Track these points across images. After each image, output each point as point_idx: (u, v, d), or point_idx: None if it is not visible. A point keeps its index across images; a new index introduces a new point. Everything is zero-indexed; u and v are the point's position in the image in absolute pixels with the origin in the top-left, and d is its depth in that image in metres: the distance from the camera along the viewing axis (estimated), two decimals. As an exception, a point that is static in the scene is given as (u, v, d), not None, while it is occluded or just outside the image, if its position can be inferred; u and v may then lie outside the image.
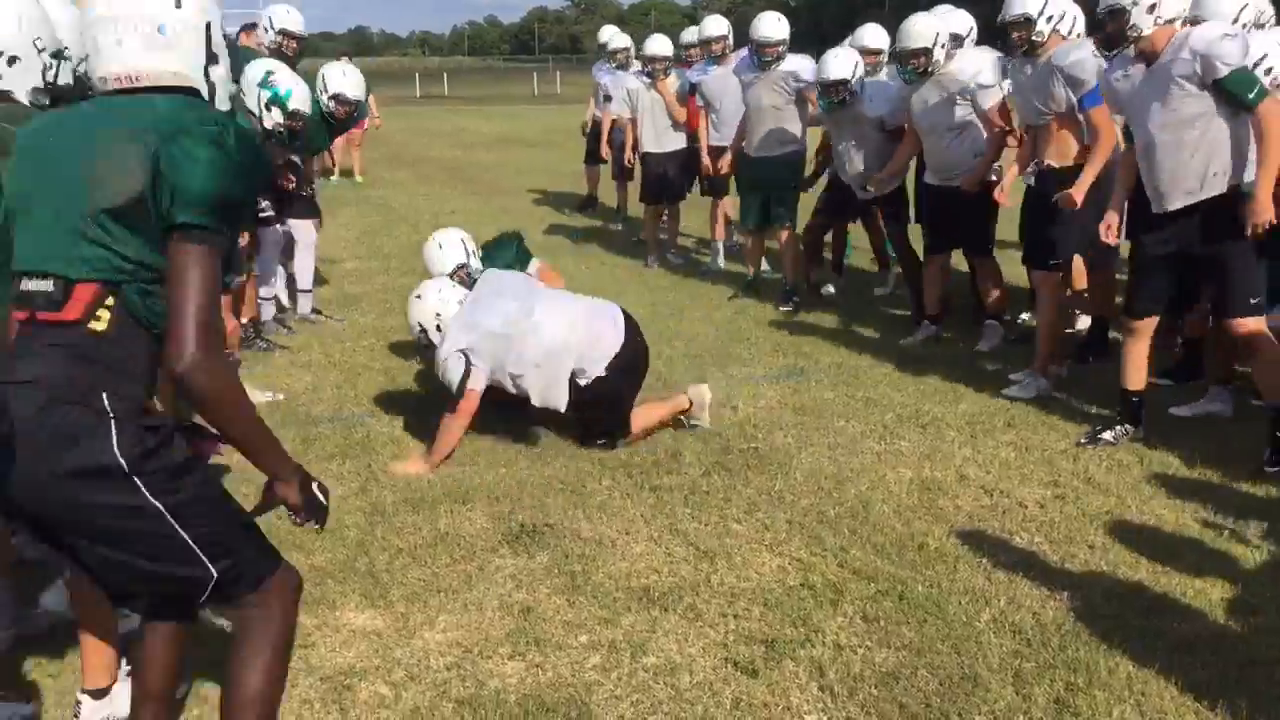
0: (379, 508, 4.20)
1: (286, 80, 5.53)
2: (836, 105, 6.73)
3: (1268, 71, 4.48)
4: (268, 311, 6.76)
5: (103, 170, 2.00)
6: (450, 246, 5.48)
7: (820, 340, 6.59)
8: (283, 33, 6.90)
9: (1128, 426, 4.74)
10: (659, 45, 8.84)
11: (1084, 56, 5.10)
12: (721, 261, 8.97)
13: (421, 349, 5.01)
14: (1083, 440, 4.74)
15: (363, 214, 12.09)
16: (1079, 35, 5.51)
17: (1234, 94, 4.18)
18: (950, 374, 5.78)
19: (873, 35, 7.22)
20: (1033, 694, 2.90)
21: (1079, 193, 5.09)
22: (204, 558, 2.09)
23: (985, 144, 6.07)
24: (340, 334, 6.83)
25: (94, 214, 1.99)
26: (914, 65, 6.06)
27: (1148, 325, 4.66)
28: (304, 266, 7.06)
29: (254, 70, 5.50)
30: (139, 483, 1.99)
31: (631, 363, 4.76)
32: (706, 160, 8.36)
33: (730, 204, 8.68)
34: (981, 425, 5.01)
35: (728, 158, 7.92)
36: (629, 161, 9.54)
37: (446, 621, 3.35)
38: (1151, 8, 4.25)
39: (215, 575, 2.11)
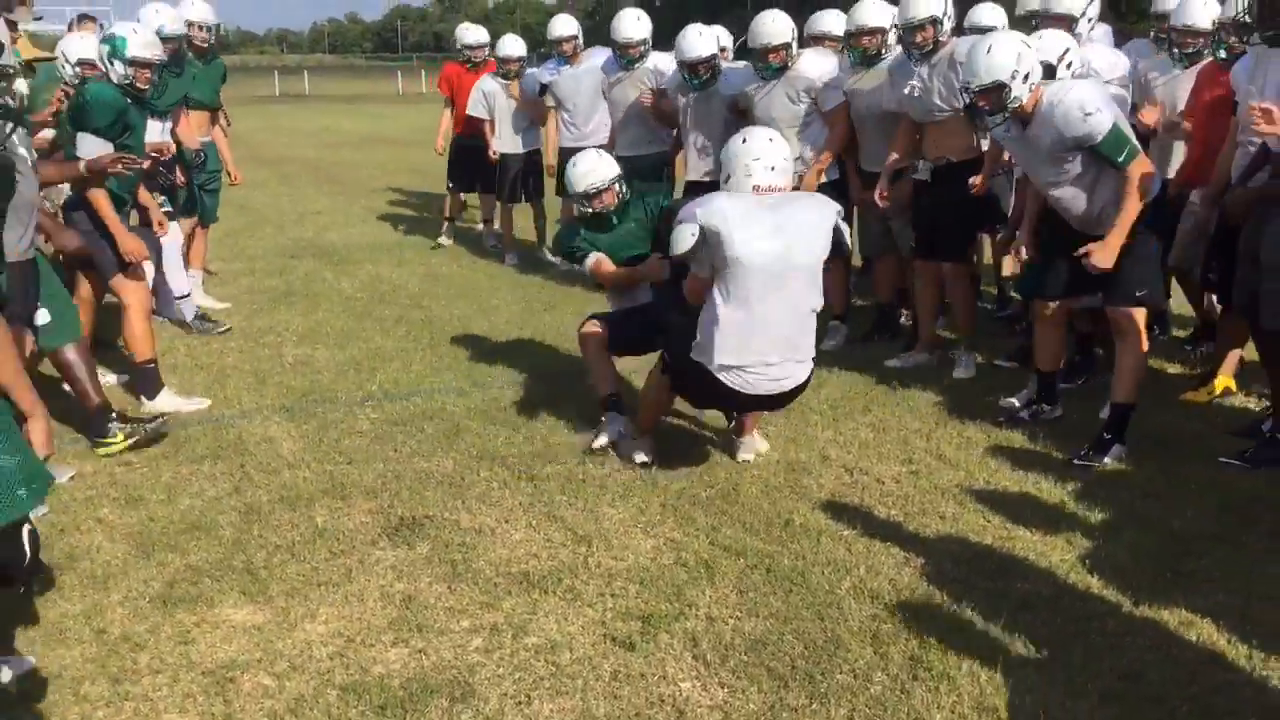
0: (254, 507, 4.20)
1: (123, 28, 5.37)
2: (700, 85, 6.61)
3: (1069, 65, 4.71)
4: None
5: None
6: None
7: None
8: (190, 23, 6.91)
9: (1044, 406, 5.03)
10: (512, 46, 8.84)
11: None
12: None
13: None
14: (1001, 419, 5.01)
15: (224, 216, 11.72)
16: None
17: (1106, 157, 4.34)
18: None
19: (832, 22, 6.99)
20: (889, 653, 3.11)
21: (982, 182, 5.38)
22: None
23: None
24: (207, 336, 6.72)
25: None
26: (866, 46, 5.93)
27: (1057, 309, 4.86)
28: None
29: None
30: None
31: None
32: (551, 161, 8.38)
33: None
34: (842, 409, 5.25)
35: None
36: (491, 163, 9.19)
37: (328, 613, 3.40)
38: (1026, 77, 4.37)
39: None
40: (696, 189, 6.97)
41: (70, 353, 4.69)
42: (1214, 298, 5.66)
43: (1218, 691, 2.92)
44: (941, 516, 4.06)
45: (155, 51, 5.50)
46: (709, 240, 4.04)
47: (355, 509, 4.18)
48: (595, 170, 5.02)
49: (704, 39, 6.62)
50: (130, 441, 4.73)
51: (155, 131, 6.16)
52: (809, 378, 4.34)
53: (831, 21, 7.15)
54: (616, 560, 3.73)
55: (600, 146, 7.75)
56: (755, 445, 4.67)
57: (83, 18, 8.81)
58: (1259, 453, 4.45)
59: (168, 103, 6.43)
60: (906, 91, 5.67)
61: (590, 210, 5.01)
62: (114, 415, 4.78)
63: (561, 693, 2.97)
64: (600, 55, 8.36)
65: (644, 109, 7.28)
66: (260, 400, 5.52)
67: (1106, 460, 4.50)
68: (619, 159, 7.38)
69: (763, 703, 2.91)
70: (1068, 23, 5.46)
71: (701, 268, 4.16)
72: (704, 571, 3.63)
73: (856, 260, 6.87)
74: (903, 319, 6.61)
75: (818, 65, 6.24)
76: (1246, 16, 4.60)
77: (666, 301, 4.77)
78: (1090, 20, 5.62)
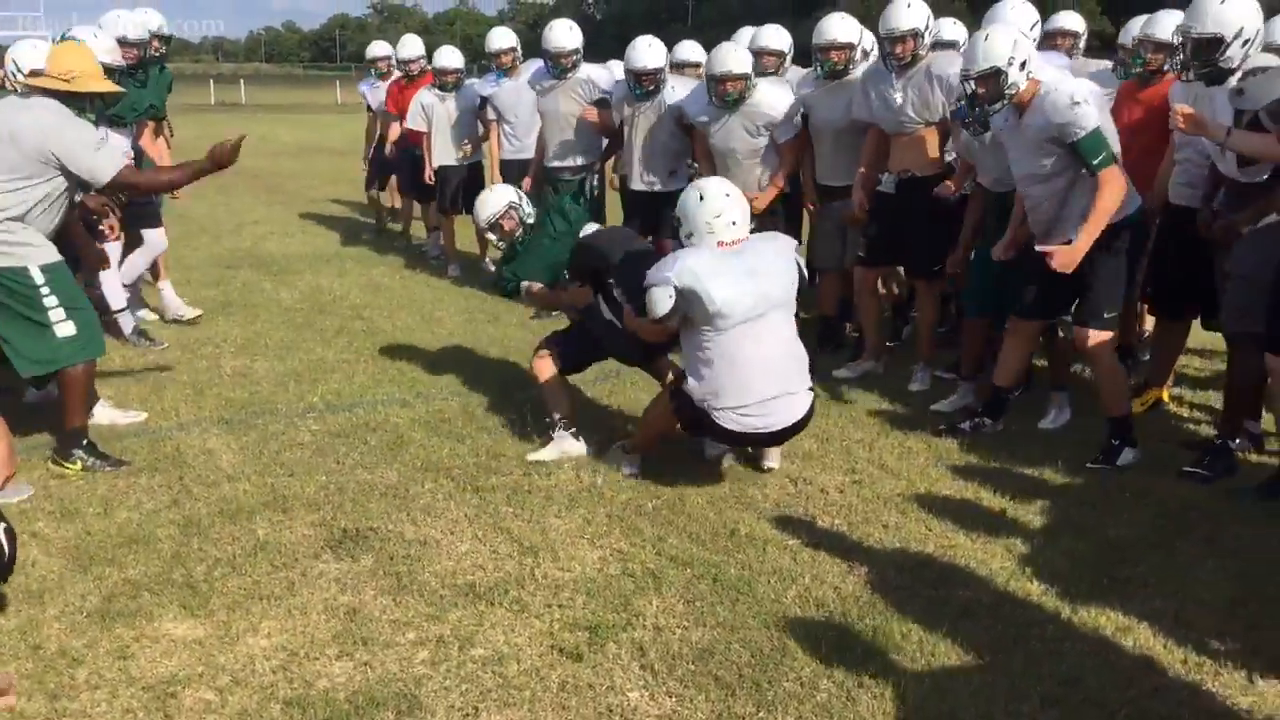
0: (193, 520, 4.13)
1: (82, 32, 5.30)
2: (645, 95, 6.70)
3: (1023, 66, 4.61)
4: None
5: None
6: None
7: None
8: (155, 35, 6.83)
9: (985, 420, 5.10)
10: (449, 58, 8.79)
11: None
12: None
13: None
14: (942, 427, 5.10)
15: (160, 224, 11.60)
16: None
17: (1083, 156, 4.42)
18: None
19: (771, 36, 7.02)
20: (835, 661, 3.14)
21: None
22: None
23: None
24: (138, 347, 6.60)
25: None
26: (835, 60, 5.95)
27: (1028, 326, 4.93)
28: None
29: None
30: None
31: None
32: (496, 175, 8.40)
33: None
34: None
35: (529, 179, 7.75)
36: (429, 178, 9.10)
37: (270, 627, 3.35)
38: (1023, 65, 4.47)
39: None
40: (638, 199, 7.02)
41: (81, 370, 4.57)
42: (1145, 309, 5.81)
43: (1154, 695, 2.99)
44: (884, 525, 4.11)
45: (115, 58, 5.41)
46: (686, 299, 4.14)
47: (297, 521, 4.13)
48: (486, 204, 5.38)
49: (653, 50, 6.72)
50: (84, 472, 4.60)
51: (119, 142, 6.03)
52: (811, 408, 4.40)
53: (690, 50, 7.29)
54: (563, 571, 3.72)
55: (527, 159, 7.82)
56: (775, 452, 4.69)
57: None
58: (1213, 463, 4.54)
59: (133, 112, 6.32)
60: (881, 101, 5.69)
61: (501, 241, 5.38)
62: (84, 443, 4.65)
63: (509, 704, 2.96)
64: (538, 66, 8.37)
65: (584, 120, 7.31)
66: (198, 412, 5.43)
67: (1120, 461, 4.67)
68: (548, 169, 7.44)
69: (710, 711, 2.93)
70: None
71: (671, 320, 4.26)
72: (651, 582, 3.64)
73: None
74: (847, 331, 6.69)
75: (777, 98, 6.23)
76: (1183, 57, 4.69)
77: (599, 322, 4.88)
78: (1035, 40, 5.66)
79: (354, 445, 4.95)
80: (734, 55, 6.16)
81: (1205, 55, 4.56)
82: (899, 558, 3.83)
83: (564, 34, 7.34)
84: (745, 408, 4.20)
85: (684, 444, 4.70)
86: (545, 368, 4.96)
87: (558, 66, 7.33)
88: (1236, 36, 4.50)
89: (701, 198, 4.27)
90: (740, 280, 4.15)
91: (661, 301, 4.18)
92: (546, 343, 5.06)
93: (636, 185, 7.01)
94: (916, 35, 5.50)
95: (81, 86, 4.50)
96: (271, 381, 5.95)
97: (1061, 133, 4.45)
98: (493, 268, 8.79)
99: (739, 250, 4.24)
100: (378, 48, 10.49)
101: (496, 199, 5.37)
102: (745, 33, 7.62)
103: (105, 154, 4.45)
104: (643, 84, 6.69)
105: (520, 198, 5.45)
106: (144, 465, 4.68)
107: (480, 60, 8.97)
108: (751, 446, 4.64)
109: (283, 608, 3.47)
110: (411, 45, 9.61)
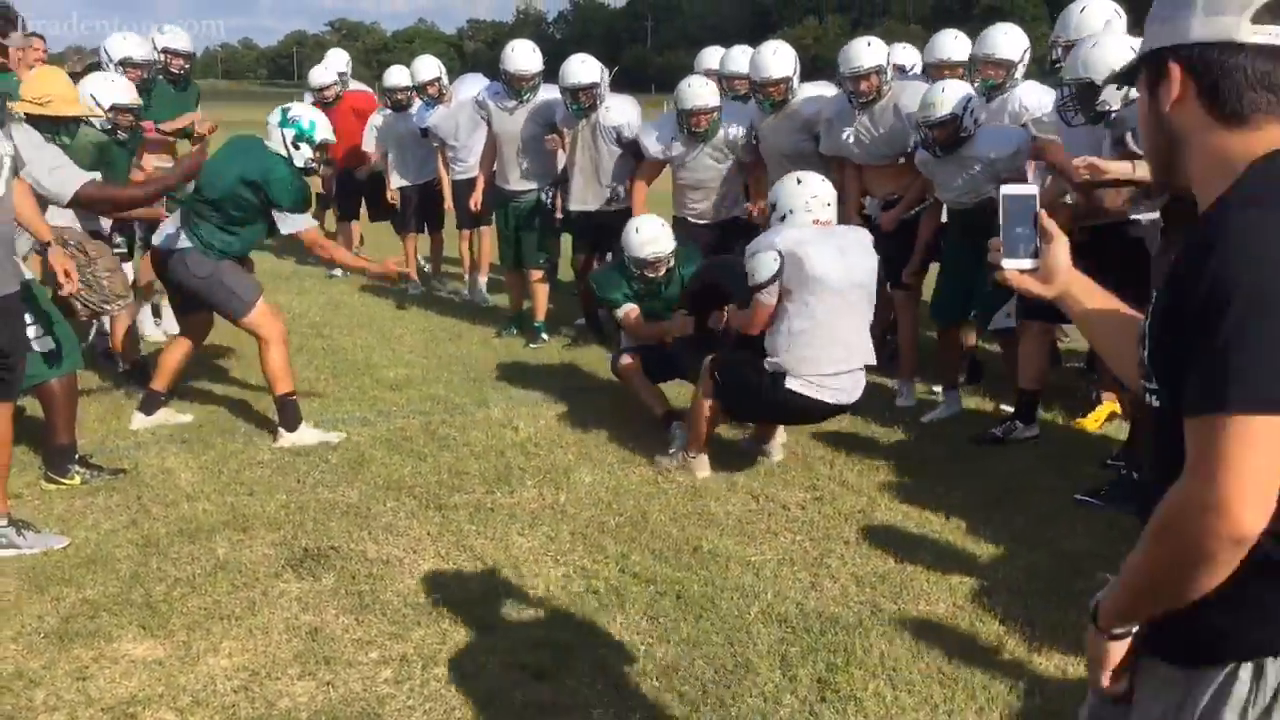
0: (152, 539, 4.09)
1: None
2: (581, 112, 6.73)
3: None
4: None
5: None
6: None
7: (597, 363, 6.78)
8: (166, 51, 7.16)
9: (1017, 423, 5.20)
10: (398, 76, 8.65)
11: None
12: (485, 293, 8.77)
13: None
14: (982, 440, 5.19)
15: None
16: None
17: None
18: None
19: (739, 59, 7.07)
20: (798, 675, 3.17)
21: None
22: None
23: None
24: (97, 365, 6.51)
25: None
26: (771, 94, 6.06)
27: (1042, 329, 5.10)
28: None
29: (273, 114, 5.31)
30: None
31: None
32: (449, 202, 8.48)
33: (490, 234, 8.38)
34: (746, 435, 5.33)
35: (477, 194, 7.66)
36: (392, 198, 9.03)
37: (231, 647, 3.32)
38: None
39: None
40: (583, 219, 6.98)
41: (60, 384, 4.53)
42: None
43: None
44: (845, 541, 4.15)
45: (132, 96, 5.73)
46: (788, 264, 4.44)
47: (257, 541, 4.10)
48: (658, 241, 5.30)
49: (586, 66, 6.74)
50: (83, 486, 4.61)
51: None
52: (861, 391, 4.70)
53: (739, 60, 7.32)
54: (527, 589, 3.72)
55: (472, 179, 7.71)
56: (781, 441, 5.06)
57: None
58: (1113, 490, 4.50)
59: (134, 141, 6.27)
60: (845, 138, 5.79)
61: (643, 274, 5.33)
62: (77, 457, 4.65)
63: (474, 722, 2.96)
64: (471, 84, 8.26)
65: (545, 143, 7.07)
66: (157, 431, 5.37)
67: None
68: (507, 192, 7.23)
69: (675, 727, 2.94)
70: (1005, 68, 5.49)
71: (771, 295, 4.51)
72: (614, 599, 3.64)
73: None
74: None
75: (738, 124, 6.36)
76: (1069, 102, 4.74)
77: (688, 347, 5.20)
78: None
79: (314, 464, 4.93)
80: (706, 89, 6.27)
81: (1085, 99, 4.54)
82: (860, 573, 3.86)
83: (525, 57, 7.01)
84: (822, 377, 4.50)
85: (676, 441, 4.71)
86: (629, 370, 5.36)
87: (518, 89, 7.01)
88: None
89: (800, 181, 4.63)
90: (835, 256, 4.49)
91: (766, 265, 4.45)
92: (627, 351, 5.43)
93: (576, 206, 7.02)
94: (879, 71, 5.63)
95: (55, 110, 4.52)
96: (230, 400, 5.91)
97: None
98: (449, 287, 8.81)
99: (830, 231, 4.61)
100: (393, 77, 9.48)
101: (668, 241, 5.32)
102: (712, 52, 7.67)
103: (64, 175, 4.40)
104: (578, 99, 6.70)
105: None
106: (101, 484, 4.63)
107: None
108: (795, 422, 4.96)
109: (243, 627, 3.44)
110: (319, 74, 9.33)
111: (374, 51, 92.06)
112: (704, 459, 4.84)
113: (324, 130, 5.31)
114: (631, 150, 6.76)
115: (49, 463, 4.64)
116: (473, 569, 3.88)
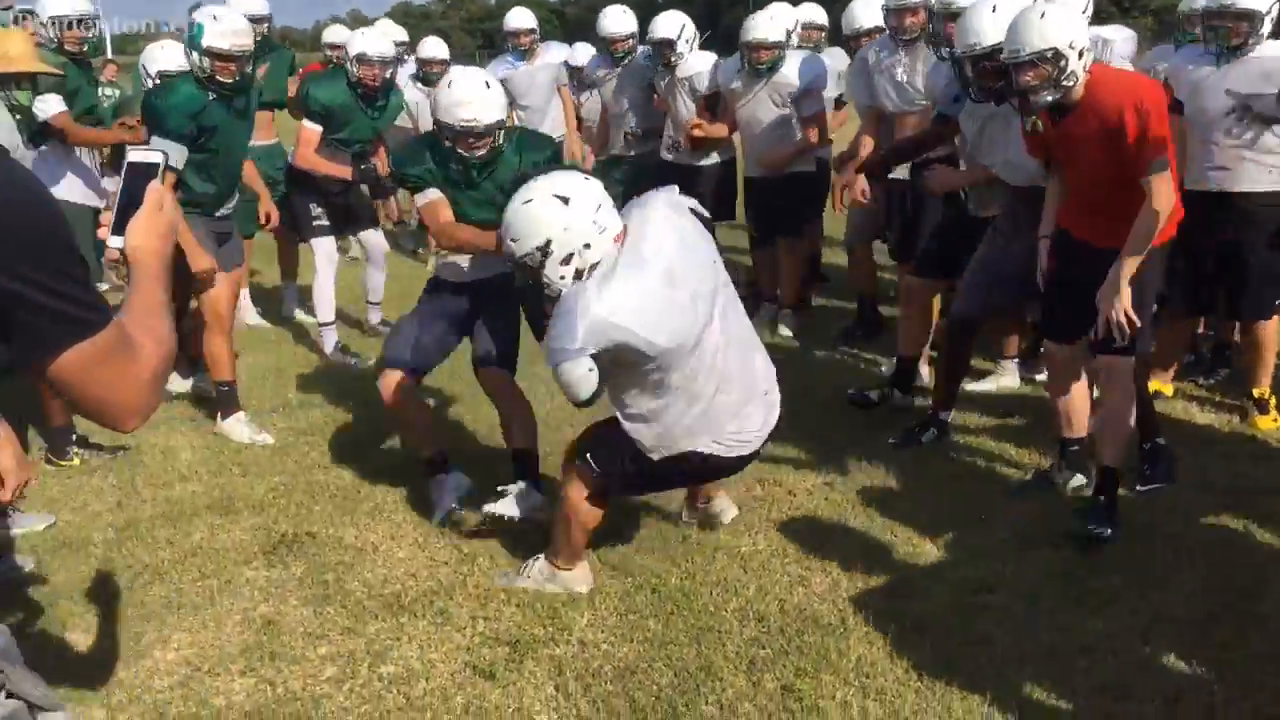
0: (133, 523, 4.03)
1: (203, 14, 4.65)
2: (618, 60, 6.78)
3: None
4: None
5: None
6: None
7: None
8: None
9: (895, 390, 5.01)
10: (434, 48, 8.12)
11: None
12: None
13: None
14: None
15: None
16: None
17: None
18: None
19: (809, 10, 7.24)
20: (762, 681, 2.93)
21: None
22: None
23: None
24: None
25: None
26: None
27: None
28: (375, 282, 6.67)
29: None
30: None
31: None
32: None
33: None
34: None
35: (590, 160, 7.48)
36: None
37: (180, 640, 3.22)
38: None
39: None
40: (667, 168, 6.62)
41: None
42: None
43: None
44: (849, 533, 3.87)
45: (236, 41, 4.61)
46: (611, 354, 2.99)
47: (237, 525, 4.00)
48: (473, 103, 3.74)
49: (626, 17, 6.73)
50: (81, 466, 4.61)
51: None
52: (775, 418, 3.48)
53: (812, 11, 7.30)
54: (497, 580, 3.55)
55: (565, 164, 7.37)
56: (728, 501, 3.94)
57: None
58: (1154, 472, 4.12)
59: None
60: (886, 79, 5.44)
61: (456, 149, 3.83)
62: (74, 437, 4.63)
63: (407, 727, 2.80)
64: (557, 51, 8.17)
65: (660, 107, 6.80)
66: (168, 410, 5.30)
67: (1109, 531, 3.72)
68: (619, 160, 6.98)
69: (618, 737, 2.74)
70: None
71: (594, 391, 3.10)
72: (585, 592, 3.45)
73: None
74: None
75: (805, 71, 6.09)
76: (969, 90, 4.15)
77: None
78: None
79: (316, 443, 4.83)
80: (770, 23, 6.10)
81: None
82: (858, 567, 3.57)
83: (617, 19, 6.74)
84: (737, 432, 3.29)
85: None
86: (399, 391, 4.10)
87: (613, 53, 6.82)
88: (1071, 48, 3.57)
89: (566, 200, 3.03)
90: (671, 288, 3.01)
91: (583, 383, 3.00)
92: (393, 360, 4.19)
93: (616, 150, 7.04)
94: (927, 6, 5.19)
95: (8, 67, 4.45)
96: (249, 377, 5.82)
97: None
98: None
99: (639, 240, 3.07)
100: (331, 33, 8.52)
101: (493, 107, 3.83)
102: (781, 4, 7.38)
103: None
104: (615, 50, 6.73)
105: None
106: (98, 464, 4.59)
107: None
108: (707, 480, 3.75)
109: (199, 618, 3.34)
110: (430, 46, 8.32)
111: (477, 20, 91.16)
112: (584, 568, 3.49)
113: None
114: (709, 105, 6.55)
115: (50, 445, 4.61)
116: (446, 558, 3.72)
